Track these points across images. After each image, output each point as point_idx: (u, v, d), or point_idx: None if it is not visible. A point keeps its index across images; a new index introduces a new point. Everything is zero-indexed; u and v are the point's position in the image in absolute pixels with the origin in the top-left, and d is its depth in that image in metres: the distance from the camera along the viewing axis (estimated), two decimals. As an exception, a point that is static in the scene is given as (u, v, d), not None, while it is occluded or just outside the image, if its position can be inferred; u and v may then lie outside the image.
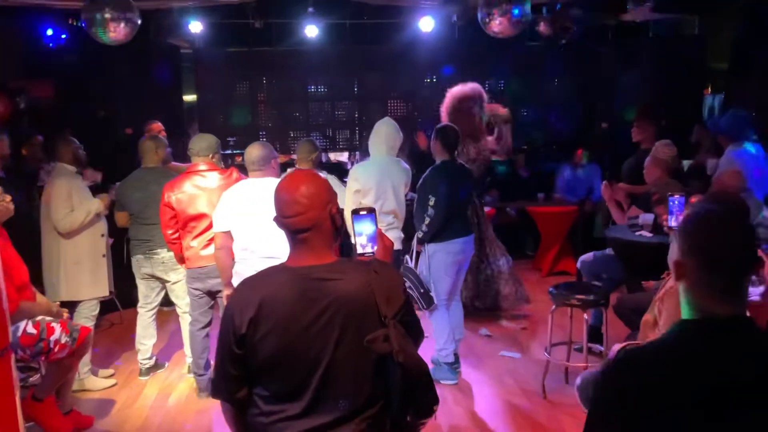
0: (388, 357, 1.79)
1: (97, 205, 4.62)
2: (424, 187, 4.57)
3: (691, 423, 1.40)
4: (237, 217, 3.73)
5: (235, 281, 3.83)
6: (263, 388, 1.86)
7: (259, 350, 1.81)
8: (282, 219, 1.89)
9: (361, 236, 2.05)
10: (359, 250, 2.04)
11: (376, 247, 2.06)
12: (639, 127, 5.83)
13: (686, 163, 6.17)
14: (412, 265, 4.61)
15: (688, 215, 1.53)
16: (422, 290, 4.49)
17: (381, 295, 1.83)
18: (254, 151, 3.86)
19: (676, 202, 3.27)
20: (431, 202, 4.45)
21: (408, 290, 4.41)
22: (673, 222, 3.28)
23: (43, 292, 4.49)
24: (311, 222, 1.86)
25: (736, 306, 1.47)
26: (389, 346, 1.76)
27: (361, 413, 1.84)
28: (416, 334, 1.96)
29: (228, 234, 3.78)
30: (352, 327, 1.80)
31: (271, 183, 3.82)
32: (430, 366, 4.78)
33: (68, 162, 4.70)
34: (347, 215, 4.60)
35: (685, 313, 1.53)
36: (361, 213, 2.06)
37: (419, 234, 4.56)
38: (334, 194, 1.97)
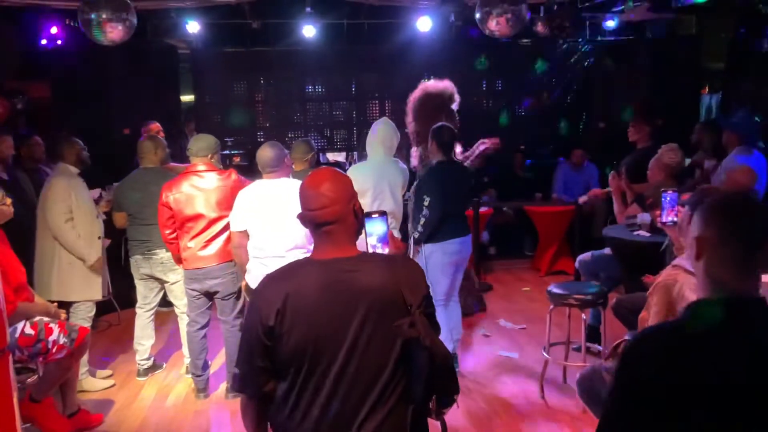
0: (413, 344, 1.83)
1: (95, 258, 4.61)
2: (419, 187, 4.57)
3: (709, 414, 1.40)
4: (252, 217, 3.75)
5: (248, 279, 3.84)
6: (287, 380, 1.90)
7: (287, 341, 1.85)
8: (307, 212, 1.94)
9: (372, 237, 2.13)
10: (370, 251, 2.09)
11: (387, 249, 2.13)
12: (635, 126, 5.84)
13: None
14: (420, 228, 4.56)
15: (707, 199, 1.63)
16: None
17: (406, 286, 1.89)
18: (266, 153, 3.87)
19: (668, 198, 3.27)
20: (426, 203, 4.44)
21: None
22: (665, 218, 3.27)
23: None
24: (336, 215, 1.91)
25: (752, 282, 1.51)
26: (416, 332, 1.81)
27: (382, 401, 1.87)
28: (436, 326, 2.01)
29: (244, 233, 3.81)
30: (377, 317, 1.86)
31: (284, 183, 3.83)
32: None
33: (72, 163, 4.69)
34: None
35: (703, 294, 1.56)
36: (373, 216, 2.14)
37: (415, 234, 4.56)
38: (356, 192, 2.02)
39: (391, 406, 1.89)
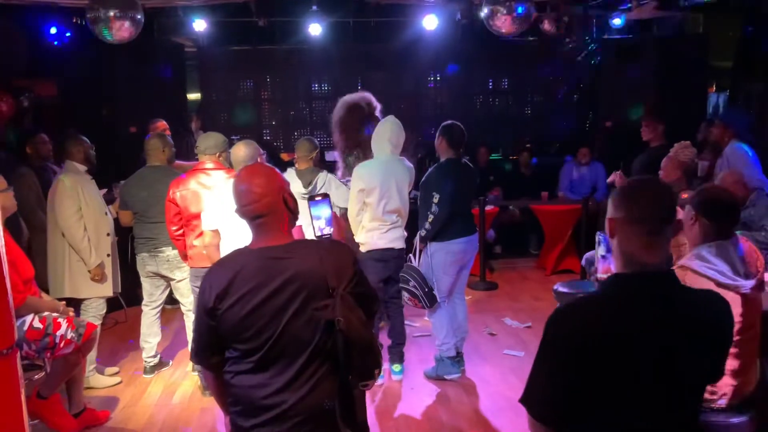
0: (332, 326, 2.02)
1: (95, 263, 4.61)
2: (427, 184, 4.57)
3: (620, 370, 1.67)
4: (223, 216, 3.72)
5: None
6: (232, 350, 2.11)
7: (226, 320, 2.06)
8: (241, 207, 2.13)
9: (320, 220, 2.29)
10: (317, 233, 2.26)
11: (332, 229, 2.34)
12: (648, 126, 5.82)
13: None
14: (415, 263, 4.61)
15: (620, 185, 1.87)
16: (426, 289, 4.49)
17: (331, 270, 2.07)
18: (240, 151, 3.88)
19: None
20: (435, 200, 4.44)
21: (413, 289, 4.42)
22: None
23: (47, 290, 4.51)
24: (267, 208, 2.09)
25: (660, 256, 1.74)
26: (332, 314, 2.00)
27: (310, 373, 2.08)
28: (369, 303, 2.19)
29: (216, 232, 3.79)
30: (305, 299, 2.04)
31: None
32: (433, 363, 4.80)
33: (79, 161, 4.71)
34: (350, 213, 4.63)
35: (617, 268, 1.80)
36: (317, 198, 2.30)
37: (422, 232, 4.56)
38: (287, 182, 2.20)
39: (318, 378, 2.08)
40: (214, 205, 3.82)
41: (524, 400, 1.81)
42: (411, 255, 4.67)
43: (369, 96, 5.36)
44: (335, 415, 2.10)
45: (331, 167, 5.55)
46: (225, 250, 3.71)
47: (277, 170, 2.22)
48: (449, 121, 4.70)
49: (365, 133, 5.08)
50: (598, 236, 2.63)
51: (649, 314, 1.69)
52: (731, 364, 2.76)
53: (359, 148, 5.06)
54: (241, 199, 2.12)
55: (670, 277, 1.76)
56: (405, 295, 4.60)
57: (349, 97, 5.33)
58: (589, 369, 1.67)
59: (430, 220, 4.48)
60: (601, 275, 2.82)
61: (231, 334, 2.08)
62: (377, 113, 5.25)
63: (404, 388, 4.66)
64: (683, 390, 1.74)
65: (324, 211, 2.31)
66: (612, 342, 1.67)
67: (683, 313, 1.72)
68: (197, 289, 4.37)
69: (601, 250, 2.57)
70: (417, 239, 4.65)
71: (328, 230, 2.32)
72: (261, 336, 2.05)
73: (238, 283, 2.06)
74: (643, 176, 1.98)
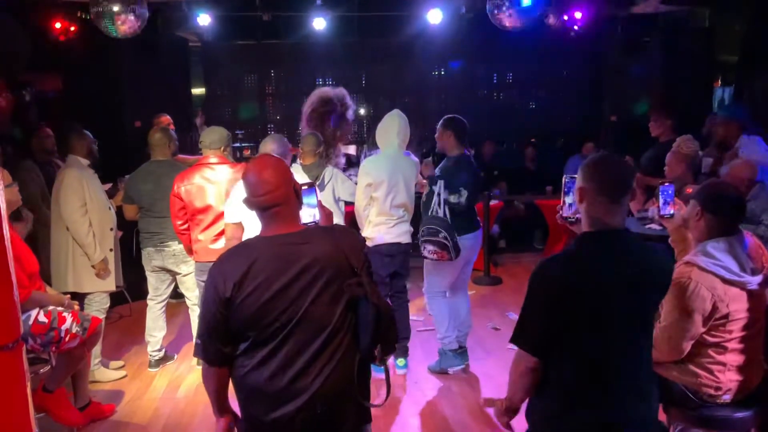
0: (360, 301, 2.12)
1: (99, 258, 4.61)
2: (448, 181, 4.46)
3: (590, 307, 2.10)
4: (248, 210, 3.73)
5: None
6: (247, 342, 2.12)
7: (243, 309, 2.07)
8: (254, 198, 2.15)
9: (312, 207, 2.39)
10: (305, 220, 2.32)
11: (319, 216, 2.44)
12: (656, 121, 5.80)
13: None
14: (442, 214, 4.45)
15: (588, 160, 2.25)
16: (455, 240, 4.41)
17: (349, 252, 2.16)
18: (269, 147, 3.88)
19: (669, 191, 3.25)
20: (464, 196, 4.41)
21: (443, 240, 4.35)
22: (664, 210, 3.26)
23: (50, 284, 4.53)
24: (280, 198, 2.14)
25: (619, 218, 2.16)
26: (363, 291, 2.10)
27: (331, 353, 2.13)
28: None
29: (239, 225, 3.79)
30: (326, 281, 2.10)
31: None
32: (436, 357, 4.80)
33: (82, 155, 4.71)
34: (357, 207, 4.62)
35: (585, 228, 2.20)
36: (304, 188, 2.33)
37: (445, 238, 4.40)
38: (292, 172, 2.26)
39: (339, 357, 2.14)
40: (238, 198, 3.80)
41: (514, 339, 2.22)
42: (437, 207, 4.49)
43: (344, 93, 5.37)
44: (353, 392, 2.17)
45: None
46: None
47: (283, 160, 2.27)
48: (452, 115, 4.66)
49: (330, 126, 5.16)
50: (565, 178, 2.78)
51: (610, 263, 2.13)
52: (736, 359, 2.76)
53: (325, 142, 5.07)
54: (255, 190, 2.14)
55: (626, 234, 2.19)
56: (429, 248, 4.42)
57: (323, 90, 5.37)
58: (564, 310, 2.10)
59: (456, 204, 4.43)
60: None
61: (249, 321, 2.08)
62: (348, 113, 5.33)
63: (408, 382, 4.67)
64: (636, 322, 2.17)
65: (312, 199, 2.40)
66: (581, 287, 2.09)
67: (635, 260, 2.16)
68: (203, 283, 4.41)
69: (568, 199, 2.74)
70: (421, 237, 4.56)
71: (317, 216, 2.42)
72: (280, 321, 2.07)
73: (256, 270, 2.07)
74: (606, 154, 2.33)
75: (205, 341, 2.16)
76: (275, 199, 2.13)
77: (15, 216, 4.03)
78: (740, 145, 5.16)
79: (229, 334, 2.12)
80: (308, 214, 2.38)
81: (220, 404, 2.27)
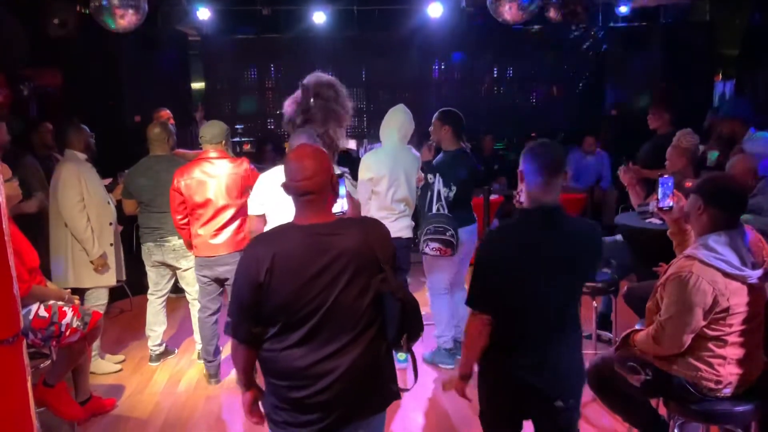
0: (385, 295, 2.19)
1: (97, 254, 4.61)
2: (443, 174, 4.48)
3: (531, 274, 2.43)
4: (272, 202, 3.71)
5: None
6: (276, 326, 2.19)
7: (275, 295, 2.13)
8: (292, 183, 2.20)
9: (342, 198, 2.43)
10: (335, 210, 2.34)
11: (347, 207, 2.50)
12: (654, 114, 5.80)
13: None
14: (443, 210, 4.49)
15: (527, 146, 2.54)
16: (458, 236, 4.42)
17: (377, 246, 2.22)
18: (300, 141, 3.80)
19: (669, 183, 3.25)
20: (453, 192, 4.42)
21: (449, 238, 4.37)
22: (663, 203, 3.26)
23: (50, 279, 4.53)
24: (317, 186, 2.18)
25: (553, 196, 2.47)
26: (388, 286, 2.18)
27: (358, 341, 2.21)
28: (403, 277, 2.39)
29: (262, 217, 3.77)
30: (354, 272, 2.17)
31: None
32: (432, 350, 4.81)
33: (80, 150, 4.70)
34: (359, 201, 4.61)
35: (525, 204, 2.50)
36: (335, 174, 2.35)
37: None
38: (332, 165, 2.30)
39: (365, 345, 2.22)
40: (262, 190, 3.78)
41: (468, 302, 2.54)
42: (438, 204, 4.53)
43: (315, 79, 4.54)
44: (381, 377, 2.29)
45: (339, 158, 5.51)
46: None
47: (326, 153, 2.32)
48: (447, 108, 4.63)
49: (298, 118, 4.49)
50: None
51: (544, 233, 2.46)
52: (736, 353, 2.76)
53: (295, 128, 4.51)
54: (294, 174, 2.19)
55: (559, 210, 2.49)
56: (433, 245, 4.45)
57: (308, 79, 4.60)
58: (504, 272, 2.44)
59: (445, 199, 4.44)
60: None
61: (279, 307, 2.15)
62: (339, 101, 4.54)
63: (409, 375, 4.67)
64: (564, 284, 2.51)
65: (342, 190, 2.42)
66: (518, 252, 2.44)
67: (567, 231, 2.50)
68: (202, 278, 4.46)
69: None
70: (421, 235, 4.56)
71: (346, 206, 2.46)
72: (311, 308, 2.14)
73: (288, 257, 2.14)
74: (543, 140, 2.59)
75: (236, 321, 2.23)
76: (312, 186, 2.17)
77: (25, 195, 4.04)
78: (747, 139, 5.16)
79: (259, 317, 2.19)
80: (338, 205, 2.42)
81: (247, 379, 2.36)
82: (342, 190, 2.41)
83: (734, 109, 5.58)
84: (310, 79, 4.46)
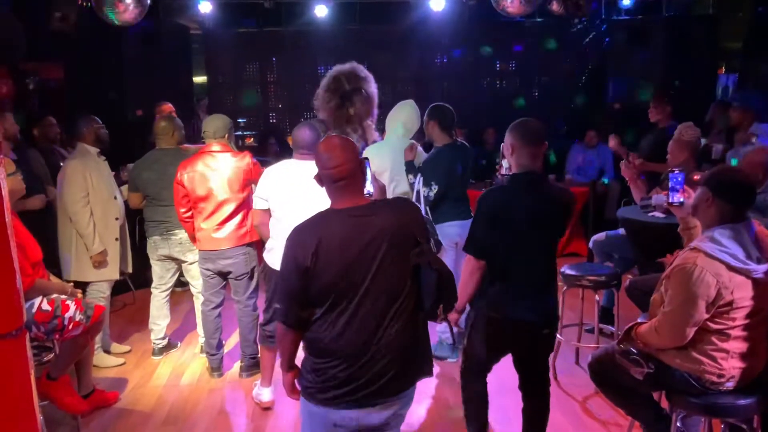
0: (423, 268, 2.34)
1: (98, 250, 4.61)
2: (424, 171, 4.48)
3: (518, 227, 2.96)
4: (277, 196, 3.70)
5: (268, 257, 3.83)
6: (323, 306, 2.32)
7: (321, 277, 2.27)
8: (324, 171, 2.36)
9: (366, 182, 2.53)
10: (365, 191, 2.49)
11: (372, 189, 2.64)
12: (655, 107, 5.78)
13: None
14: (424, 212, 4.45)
15: (512, 124, 3.07)
16: (437, 239, 4.43)
17: (414, 224, 2.40)
18: (305, 134, 3.77)
19: (679, 178, 3.24)
20: (434, 191, 4.40)
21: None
22: (673, 198, 3.25)
23: (58, 273, 4.54)
24: (349, 172, 2.34)
25: (537, 164, 3.00)
26: (425, 257, 2.33)
27: (400, 312, 2.35)
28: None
29: (267, 212, 3.76)
30: (394, 249, 2.31)
31: (314, 166, 3.78)
32: (434, 343, 4.81)
33: (90, 143, 4.70)
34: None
35: (514, 170, 3.06)
36: (362, 160, 2.49)
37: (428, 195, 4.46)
38: (358, 151, 2.45)
39: (407, 316, 2.36)
40: (268, 184, 3.79)
41: (465, 248, 3.08)
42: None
43: (355, 69, 4.79)
44: (422, 347, 2.46)
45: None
46: (284, 230, 3.68)
47: (351, 140, 2.51)
48: (436, 103, 4.60)
49: (348, 109, 4.67)
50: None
51: (528, 194, 2.99)
52: (739, 346, 2.76)
53: (347, 124, 4.68)
54: (326, 163, 2.35)
55: (541, 175, 3.05)
56: None
57: (333, 71, 4.82)
58: (497, 225, 2.96)
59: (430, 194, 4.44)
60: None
61: (325, 288, 2.28)
62: (369, 88, 4.75)
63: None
64: (544, 239, 3.07)
65: (367, 173, 2.52)
66: (507, 208, 2.97)
67: (547, 192, 3.06)
68: (206, 271, 4.46)
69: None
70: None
71: (371, 187, 2.60)
72: (355, 286, 2.28)
73: (331, 240, 2.27)
74: (524, 118, 3.08)
75: (285, 307, 2.38)
76: (344, 173, 2.33)
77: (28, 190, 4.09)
78: (757, 133, 5.14)
79: (307, 301, 2.32)
80: (365, 188, 2.58)
81: (290, 362, 2.51)
82: (368, 173, 2.53)
83: (748, 100, 5.53)
84: (344, 70, 4.54)
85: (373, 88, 4.78)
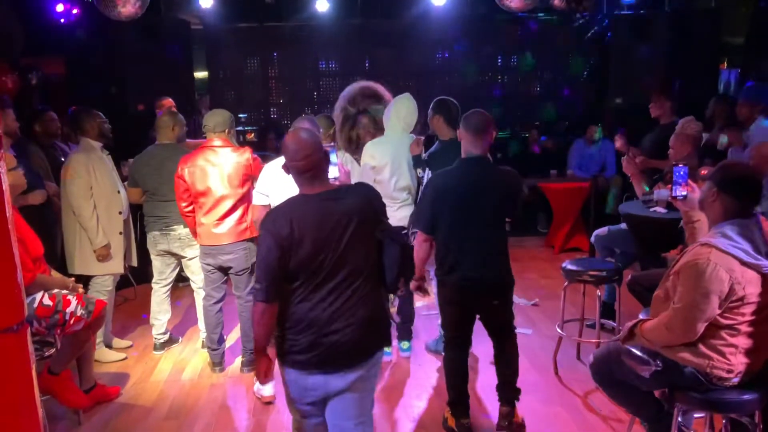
0: (386, 241, 2.63)
1: (101, 244, 4.62)
2: (429, 165, 4.45)
3: (459, 204, 3.42)
4: (278, 191, 3.69)
5: None
6: (298, 281, 2.54)
7: (297, 254, 2.49)
8: (293, 163, 2.58)
9: (334, 167, 2.81)
10: (332, 176, 2.77)
11: (339, 173, 2.94)
12: (656, 102, 5.76)
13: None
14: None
15: (464, 115, 3.54)
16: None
17: (377, 204, 2.70)
18: (305, 125, 3.79)
19: (682, 172, 3.23)
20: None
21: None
22: (676, 192, 3.24)
23: (63, 267, 4.55)
24: (315, 163, 2.58)
25: (481, 149, 3.46)
26: (388, 233, 2.66)
27: (365, 285, 2.61)
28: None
29: (266, 207, 3.77)
30: (360, 228, 2.57)
31: None
32: (435, 338, 4.81)
33: (94, 137, 4.70)
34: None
35: (463, 155, 3.51)
36: (326, 149, 2.74)
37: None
38: (321, 140, 2.71)
39: (369, 289, 2.63)
40: (267, 180, 3.79)
41: (415, 225, 3.57)
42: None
43: (367, 89, 4.97)
44: (384, 317, 2.76)
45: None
46: None
47: (315, 132, 2.79)
48: (441, 97, 4.60)
49: (349, 128, 4.88)
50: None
51: (472, 176, 3.45)
52: (746, 342, 2.75)
53: (349, 144, 4.87)
54: (294, 156, 2.57)
55: (485, 159, 3.49)
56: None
57: (345, 92, 5.01)
58: (442, 204, 3.45)
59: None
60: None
61: (301, 265, 2.50)
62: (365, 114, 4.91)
63: (412, 364, 4.68)
64: (485, 214, 3.46)
65: (333, 158, 2.75)
66: (450, 188, 3.44)
67: (490, 174, 3.50)
68: (206, 266, 4.47)
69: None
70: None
71: (337, 173, 2.85)
72: (327, 259, 2.51)
73: (306, 218, 2.50)
74: (474, 110, 3.50)
75: (266, 284, 2.53)
76: (309, 165, 2.55)
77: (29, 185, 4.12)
78: (753, 130, 5.12)
79: (284, 277, 2.52)
80: (330, 173, 2.75)
81: (265, 344, 2.66)
82: (333, 158, 2.72)
83: (759, 94, 5.48)
84: (354, 92, 4.86)
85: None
